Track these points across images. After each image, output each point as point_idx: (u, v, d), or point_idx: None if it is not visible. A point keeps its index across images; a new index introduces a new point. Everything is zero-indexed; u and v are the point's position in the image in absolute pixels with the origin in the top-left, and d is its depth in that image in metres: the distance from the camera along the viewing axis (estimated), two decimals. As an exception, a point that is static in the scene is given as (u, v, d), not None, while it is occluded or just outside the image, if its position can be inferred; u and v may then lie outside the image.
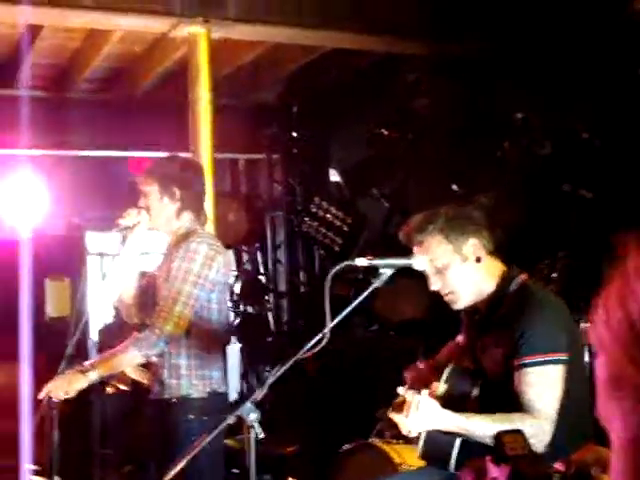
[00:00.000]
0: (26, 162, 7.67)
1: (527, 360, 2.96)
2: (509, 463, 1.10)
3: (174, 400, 3.86)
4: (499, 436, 1.00)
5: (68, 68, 7.29)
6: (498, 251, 3.25)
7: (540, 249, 5.03)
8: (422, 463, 3.62)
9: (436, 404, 2.93)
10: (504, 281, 3.15)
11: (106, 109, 7.86)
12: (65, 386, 3.71)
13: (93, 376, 3.73)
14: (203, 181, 4.14)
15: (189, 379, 3.86)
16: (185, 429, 3.79)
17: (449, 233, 3.15)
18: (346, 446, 4.71)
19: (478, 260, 3.15)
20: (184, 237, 3.88)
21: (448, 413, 2.93)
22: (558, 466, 1.06)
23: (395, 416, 3.02)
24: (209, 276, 3.80)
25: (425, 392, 2.94)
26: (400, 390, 3.01)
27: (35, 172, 7.56)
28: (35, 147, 7.50)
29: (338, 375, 6.59)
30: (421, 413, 2.89)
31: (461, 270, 3.15)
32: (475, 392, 3.11)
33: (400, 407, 2.99)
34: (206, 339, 3.88)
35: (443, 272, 3.17)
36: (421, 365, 3.68)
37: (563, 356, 2.98)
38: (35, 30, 6.17)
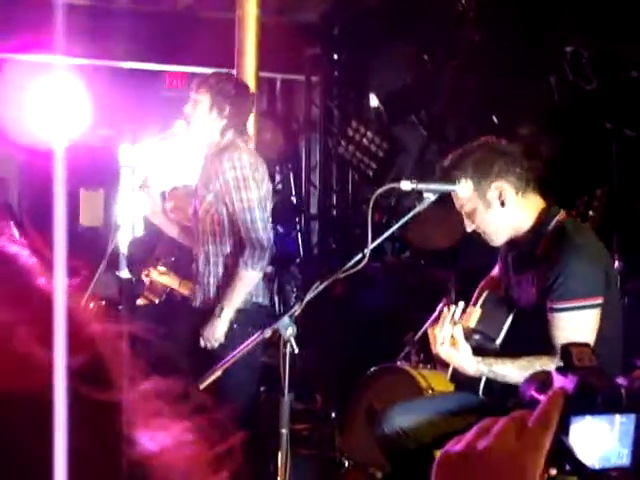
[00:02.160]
0: (63, 70, 7.64)
1: (561, 305, 2.97)
2: (576, 373, 1.12)
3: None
4: (567, 347, 1.02)
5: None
6: (537, 185, 3.23)
7: (579, 185, 5.00)
8: (447, 390, 3.68)
9: (468, 349, 2.97)
10: (542, 219, 3.14)
11: (149, 21, 7.79)
12: (213, 335, 3.87)
13: (227, 315, 3.85)
14: (252, 106, 4.19)
15: None
16: (227, 337, 3.87)
17: (474, 178, 3.12)
18: (373, 368, 4.78)
19: (502, 204, 3.13)
20: (224, 148, 3.92)
21: (475, 361, 2.96)
22: (620, 381, 1.08)
23: (431, 333, 3.08)
24: (261, 195, 3.92)
25: (461, 304, 2.98)
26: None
27: (73, 81, 7.54)
28: (72, 55, 7.47)
29: (367, 299, 6.64)
30: (453, 350, 2.94)
31: (488, 215, 3.16)
32: (509, 320, 3.14)
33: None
34: None
35: (472, 216, 3.19)
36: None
37: (598, 300, 2.99)
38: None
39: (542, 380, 1.12)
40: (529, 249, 3.16)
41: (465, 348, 2.95)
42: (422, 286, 6.06)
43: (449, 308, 3.00)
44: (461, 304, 3.01)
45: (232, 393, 3.65)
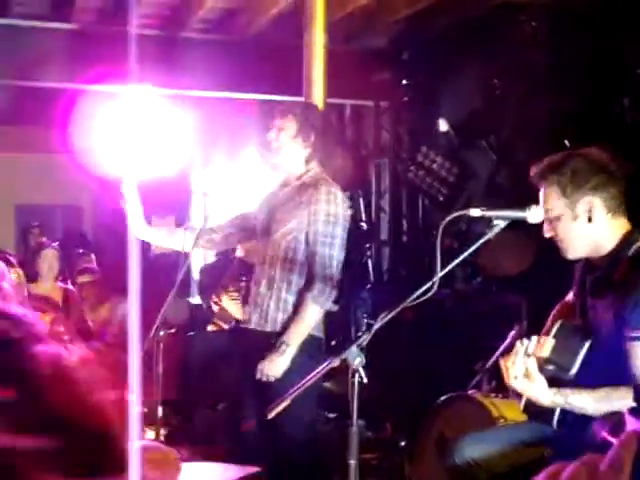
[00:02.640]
0: (136, 100, 7.75)
1: (638, 334, 2.88)
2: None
3: (276, 332, 3.93)
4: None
5: (181, 8, 7.32)
6: (626, 208, 3.13)
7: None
8: (519, 419, 3.60)
9: (543, 380, 2.89)
10: (623, 243, 3.05)
11: (217, 51, 7.88)
12: (271, 370, 3.85)
13: (290, 351, 3.84)
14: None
15: (291, 316, 3.92)
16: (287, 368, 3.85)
17: (567, 186, 3.05)
18: (444, 397, 4.71)
19: (589, 220, 3.05)
20: (314, 182, 3.91)
21: (551, 393, 2.89)
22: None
23: (504, 365, 3.01)
24: (344, 236, 3.94)
25: (534, 338, 2.89)
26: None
27: (145, 111, 7.64)
28: (144, 84, 7.57)
29: (436, 326, 6.56)
30: (528, 382, 2.87)
31: (571, 226, 3.07)
32: (584, 349, 3.06)
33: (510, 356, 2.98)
34: None
35: (555, 223, 3.10)
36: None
37: None
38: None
39: (615, 422, 1.08)
40: (607, 273, 3.07)
41: (540, 380, 2.88)
42: (493, 312, 5.97)
43: (522, 340, 2.92)
44: (534, 338, 2.93)
45: (291, 421, 3.64)
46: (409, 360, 6.67)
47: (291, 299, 3.94)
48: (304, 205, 3.87)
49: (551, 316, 3.57)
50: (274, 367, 3.83)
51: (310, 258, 3.89)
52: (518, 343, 2.92)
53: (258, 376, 3.86)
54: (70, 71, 7.49)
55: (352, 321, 8.36)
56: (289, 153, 3.98)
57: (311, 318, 3.88)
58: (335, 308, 4.00)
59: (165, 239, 4.41)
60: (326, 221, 3.85)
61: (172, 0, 7.16)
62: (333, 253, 3.86)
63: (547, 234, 3.14)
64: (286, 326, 3.91)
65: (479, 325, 6.08)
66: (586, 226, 3.06)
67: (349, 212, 3.99)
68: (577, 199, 3.05)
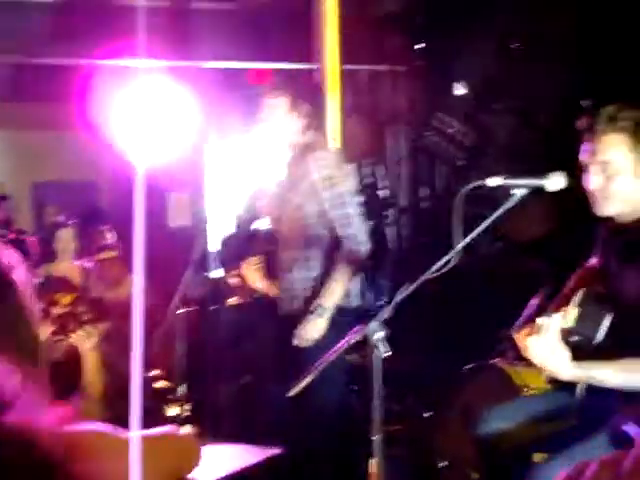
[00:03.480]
0: (149, 74, 7.69)
1: None
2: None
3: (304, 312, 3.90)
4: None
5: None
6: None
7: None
8: (543, 386, 3.55)
9: (565, 353, 2.80)
10: None
11: (227, 20, 7.80)
12: (309, 334, 3.84)
13: (326, 313, 3.85)
14: (324, 104, 4.18)
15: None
16: (315, 342, 3.83)
17: (637, 142, 2.89)
18: (467, 367, 4.67)
19: None
20: (307, 148, 3.88)
21: (573, 367, 2.80)
22: None
23: (522, 338, 2.94)
24: (350, 189, 3.93)
25: (557, 316, 2.81)
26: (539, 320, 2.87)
27: (159, 85, 7.59)
28: (155, 57, 7.51)
29: (459, 292, 6.50)
30: (549, 355, 2.79)
31: (629, 182, 2.93)
32: (608, 318, 2.99)
33: (530, 329, 2.90)
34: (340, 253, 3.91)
35: (610, 175, 2.93)
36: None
37: None
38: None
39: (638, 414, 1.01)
40: (636, 238, 2.97)
41: (561, 354, 2.79)
42: (516, 278, 5.90)
43: (544, 317, 2.82)
44: (556, 315, 2.83)
45: (319, 397, 3.61)
46: (432, 330, 6.63)
47: (315, 274, 3.92)
48: (300, 181, 3.84)
49: (572, 280, 3.50)
50: (311, 330, 3.82)
51: (331, 225, 3.85)
52: (539, 320, 2.84)
53: (296, 342, 3.83)
54: (81, 46, 7.43)
55: (372, 289, 8.32)
56: (285, 128, 3.94)
57: (343, 278, 3.85)
58: (368, 264, 3.99)
59: None
60: (324, 187, 3.83)
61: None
62: (349, 211, 3.85)
63: (592, 185, 2.97)
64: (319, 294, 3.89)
65: (502, 291, 6.02)
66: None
67: (345, 167, 3.95)
68: None
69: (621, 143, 2.90)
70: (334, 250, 3.93)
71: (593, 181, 2.97)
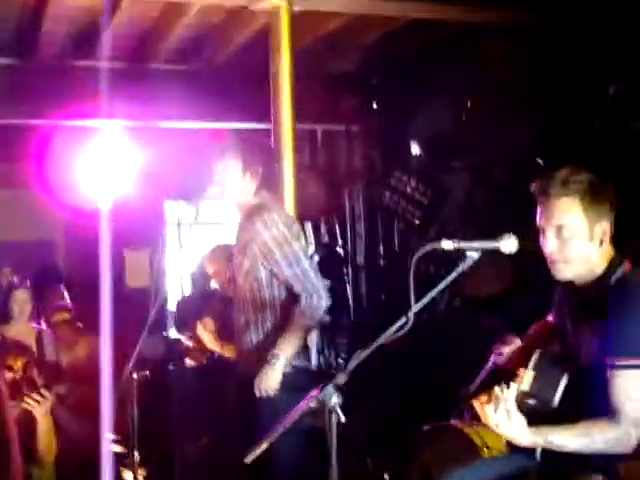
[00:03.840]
0: (107, 133, 7.70)
1: (621, 362, 2.79)
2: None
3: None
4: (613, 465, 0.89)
5: (148, 39, 7.27)
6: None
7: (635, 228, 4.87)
8: (503, 447, 3.54)
9: (522, 420, 2.79)
10: (610, 267, 2.95)
11: (186, 79, 7.84)
12: (266, 384, 3.80)
13: (279, 364, 3.81)
14: (275, 163, 4.19)
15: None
16: (270, 404, 3.79)
17: (590, 206, 2.90)
18: (426, 427, 4.64)
19: (601, 244, 2.97)
20: (256, 210, 3.88)
21: (530, 433, 2.79)
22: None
23: (480, 406, 2.92)
24: (302, 246, 3.95)
25: (514, 386, 2.80)
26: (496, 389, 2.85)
27: (115, 143, 7.59)
28: (115, 118, 7.53)
29: (418, 351, 6.50)
30: (507, 424, 2.78)
31: (583, 247, 2.93)
32: (564, 380, 2.99)
33: (488, 396, 2.89)
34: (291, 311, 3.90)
35: (565, 240, 2.93)
36: (507, 345, 3.61)
37: None
38: (115, 1, 6.16)
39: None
40: (591, 298, 2.98)
41: (518, 421, 2.78)
42: (474, 335, 5.91)
43: (501, 387, 2.81)
44: (514, 385, 2.82)
45: (278, 461, 3.58)
46: (390, 388, 6.61)
47: (270, 336, 3.91)
48: (250, 243, 3.84)
49: (529, 334, 3.52)
50: (269, 380, 3.78)
51: (287, 283, 3.85)
52: (496, 389, 2.82)
53: (258, 394, 3.79)
54: (38, 107, 7.42)
55: (332, 347, 8.30)
56: (238, 190, 3.94)
57: (300, 330, 3.85)
58: (326, 318, 3.97)
59: None
60: (277, 245, 3.83)
61: (139, 32, 7.10)
62: (304, 266, 3.86)
63: (548, 249, 2.98)
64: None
65: (460, 349, 6.02)
66: (596, 249, 2.95)
67: (295, 227, 3.96)
68: (597, 221, 2.92)
69: (574, 207, 2.91)
70: (288, 310, 3.92)
71: (549, 245, 2.98)
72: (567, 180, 2.92)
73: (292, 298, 3.92)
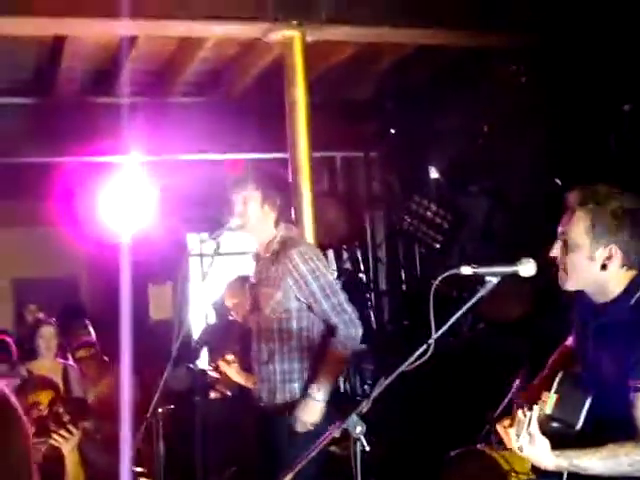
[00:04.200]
0: (127, 168, 7.77)
1: None
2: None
3: (285, 402, 3.87)
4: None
5: (165, 73, 7.35)
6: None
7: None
8: (530, 471, 3.51)
9: (546, 443, 2.79)
10: (629, 289, 2.92)
11: (203, 112, 7.91)
12: (308, 417, 3.79)
13: (320, 397, 3.81)
14: (291, 192, 4.22)
15: (301, 382, 3.88)
16: (293, 436, 3.79)
17: (598, 225, 2.89)
18: (452, 452, 4.62)
19: (604, 267, 2.96)
20: (282, 245, 3.90)
21: (554, 456, 2.79)
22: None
23: (503, 430, 2.92)
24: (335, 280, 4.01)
25: (536, 408, 2.80)
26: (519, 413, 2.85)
27: (136, 178, 7.65)
28: (134, 152, 7.60)
29: (441, 376, 6.48)
30: (530, 447, 2.78)
31: (583, 263, 2.93)
32: (587, 403, 2.98)
33: (511, 420, 2.88)
34: (315, 343, 3.91)
35: (569, 251, 2.95)
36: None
37: None
38: (132, 38, 6.24)
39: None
40: (610, 321, 2.98)
41: (543, 445, 2.77)
42: (498, 358, 5.89)
43: (524, 410, 2.80)
44: (536, 408, 2.82)
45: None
46: (414, 414, 6.58)
47: (296, 367, 3.91)
48: (284, 276, 3.86)
49: (550, 361, 3.49)
50: (310, 412, 3.78)
51: (324, 315, 3.87)
52: (520, 413, 2.82)
53: (297, 428, 3.79)
54: (59, 145, 7.51)
55: (357, 374, 8.29)
56: (259, 221, 3.96)
57: (339, 362, 3.90)
58: (363, 347, 4.00)
59: None
60: (315, 277, 3.85)
61: (156, 67, 7.18)
62: (340, 299, 3.87)
63: (552, 253, 3.00)
64: (296, 398, 3.87)
65: (485, 372, 6.00)
66: (597, 271, 2.96)
67: (323, 258, 3.99)
68: (602, 243, 2.90)
69: (582, 223, 2.93)
70: (318, 342, 3.93)
71: (554, 250, 3.01)
72: (590, 197, 2.93)
73: (323, 329, 3.93)
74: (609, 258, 2.90)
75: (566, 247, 2.97)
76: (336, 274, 8.58)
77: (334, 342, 3.85)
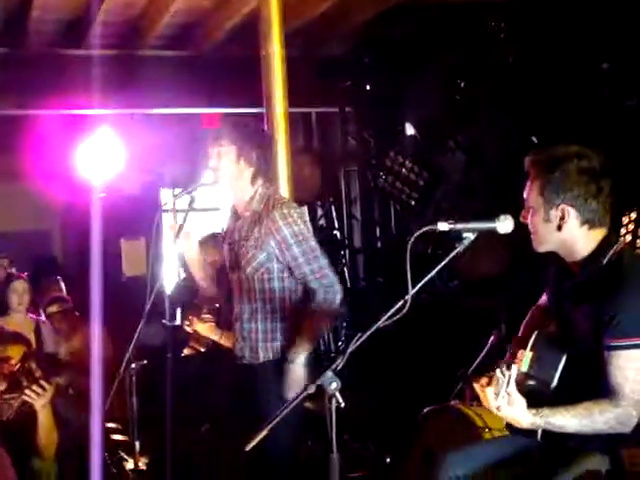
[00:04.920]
0: (99, 122, 7.68)
1: (618, 342, 2.79)
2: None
3: (269, 360, 3.87)
4: (616, 450, 0.88)
5: (137, 26, 7.23)
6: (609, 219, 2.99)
7: (625, 203, 4.87)
8: (504, 427, 3.53)
9: (523, 402, 2.82)
10: (599, 249, 2.94)
11: (177, 66, 7.80)
12: (294, 384, 3.75)
13: (301, 359, 3.76)
14: (272, 149, 4.13)
15: (283, 341, 3.87)
16: (274, 391, 3.78)
17: (548, 187, 2.92)
18: (427, 409, 4.64)
19: (559, 228, 2.97)
20: (266, 204, 3.85)
21: (531, 415, 2.82)
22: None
23: (480, 389, 2.92)
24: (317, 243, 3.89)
25: (514, 368, 2.81)
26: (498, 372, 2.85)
27: (109, 131, 7.57)
28: (107, 106, 7.51)
29: (417, 331, 6.49)
30: (508, 407, 2.79)
31: (542, 225, 2.98)
32: (562, 361, 2.98)
33: (488, 379, 2.89)
34: (295, 302, 3.88)
35: (530, 213, 3.00)
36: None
37: None
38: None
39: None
40: (584, 280, 2.98)
41: (519, 404, 2.79)
42: (472, 316, 5.90)
43: (502, 369, 2.81)
44: (514, 367, 2.83)
45: (277, 448, 3.56)
46: (389, 371, 6.60)
47: (278, 326, 3.88)
48: (267, 237, 3.81)
49: (525, 322, 3.50)
50: (296, 380, 3.76)
51: (304, 278, 3.84)
52: (497, 372, 2.82)
53: (288, 395, 3.77)
54: (29, 97, 7.39)
55: (331, 331, 8.28)
56: (234, 177, 3.89)
57: (318, 324, 3.87)
58: (342, 311, 3.97)
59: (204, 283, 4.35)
60: (297, 242, 3.80)
61: (127, 19, 7.06)
62: (321, 263, 3.82)
63: (523, 219, 3.04)
64: (278, 357, 3.85)
65: (459, 330, 6.02)
66: (555, 232, 2.97)
67: (308, 219, 3.95)
68: (553, 204, 2.93)
69: (534, 186, 2.98)
70: (298, 303, 3.90)
71: (522, 214, 3.04)
72: (543, 159, 2.97)
73: (304, 291, 3.90)
74: (562, 218, 2.92)
75: (528, 212, 3.01)
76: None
77: (313, 305, 3.82)
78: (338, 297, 3.85)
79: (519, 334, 3.40)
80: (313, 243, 3.84)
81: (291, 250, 3.80)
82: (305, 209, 4.07)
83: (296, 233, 3.79)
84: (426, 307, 6.54)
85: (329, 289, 3.81)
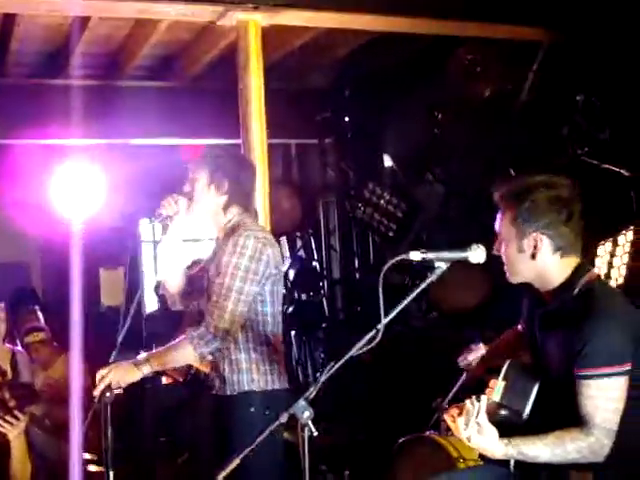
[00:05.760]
0: (78, 152, 7.67)
1: (588, 372, 2.82)
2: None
3: (235, 394, 3.82)
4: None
5: (117, 57, 7.25)
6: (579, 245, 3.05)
7: (600, 234, 4.92)
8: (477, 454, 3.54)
9: (494, 432, 2.83)
10: (571, 278, 2.98)
11: (156, 96, 7.82)
12: (118, 378, 3.68)
13: (146, 370, 3.72)
14: (254, 178, 4.05)
15: (250, 374, 3.81)
16: (246, 423, 3.74)
17: (520, 216, 2.97)
18: (402, 439, 4.64)
19: (533, 257, 3.00)
20: (232, 231, 3.81)
21: (503, 445, 2.83)
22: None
23: (451, 419, 2.93)
24: (259, 269, 3.72)
25: (484, 398, 2.82)
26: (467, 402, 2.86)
27: (88, 162, 7.56)
28: (87, 136, 7.51)
29: (394, 363, 6.50)
30: (479, 437, 2.80)
31: (516, 255, 3.02)
32: (535, 390, 3.00)
33: (459, 409, 2.89)
34: (263, 333, 3.82)
35: (502, 245, 3.06)
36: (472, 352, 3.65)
37: (626, 367, 2.83)
38: (84, 20, 6.13)
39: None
40: (556, 309, 3.01)
41: (491, 434, 2.80)
42: (449, 348, 5.91)
43: (472, 400, 2.82)
44: (484, 398, 2.84)
45: (252, 478, 3.54)
46: (365, 401, 6.60)
47: (242, 357, 3.83)
48: (220, 262, 3.77)
49: (500, 340, 3.54)
50: (125, 375, 3.68)
51: (213, 293, 3.74)
52: (467, 403, 2.83)
53: (97, 391, 3.68)
54: (9, 127, 7.38)
55: (309, 362, 8.29)
56: (204, 202, 3.87)
57: (181, 357, 3.75)
58: (209, 358, 3.85)
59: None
60: (233, 252, 3.68)
61: (109, 49, 7.08)
62: (232, 283, 3.66)
63: (495, 252, 3.08)
64: (246, 389, 3.81)
65: (437, 361, 6.02)
66: (529, 261, 3.00)
67: (266, 255, 3.74)
68: (526, 233, 2.98)
69: (505, 217, 3.04)
70: (262, 334, 3.85)
71: (495, 247, 3.09)
72: (512, 190, 3.03)
73: (273, 323, 3.85)
74: (535, 247, 2.96)
75: (501, 243, 3.06)
76: (289, 262, 8.56)
77: (188, 334, 3.67)
78: (210, 347, 3.66)
79: (492, 346, 3.44)
80: (239, 284, 3.67)
81: (219, 277, 3.73)
82: (283, 241, 4.00)
83: (234, 265, 3.68)
84: (404, 339, 6.56)
85: (208, 335, 3.65)
